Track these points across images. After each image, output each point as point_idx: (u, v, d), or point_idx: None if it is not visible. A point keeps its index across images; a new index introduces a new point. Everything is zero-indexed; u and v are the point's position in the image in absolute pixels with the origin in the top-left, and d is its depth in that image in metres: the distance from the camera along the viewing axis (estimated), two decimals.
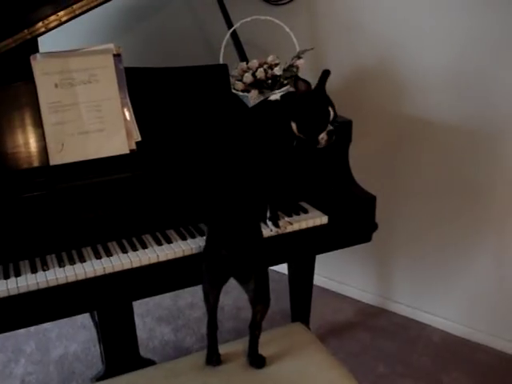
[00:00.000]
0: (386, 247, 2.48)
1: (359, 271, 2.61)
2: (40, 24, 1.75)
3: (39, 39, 2.55)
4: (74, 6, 1.78)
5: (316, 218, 1.70)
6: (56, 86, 1.56)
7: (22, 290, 1.41)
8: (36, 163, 1.55)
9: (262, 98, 1.81)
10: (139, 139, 1.64)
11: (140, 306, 2.57)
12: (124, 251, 1.54)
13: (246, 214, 1.51)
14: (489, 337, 2.29)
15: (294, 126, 1.55)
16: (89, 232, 1.57)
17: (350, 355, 2.27)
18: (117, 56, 1.62)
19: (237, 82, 1.84)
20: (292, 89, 1.82)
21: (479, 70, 1.99)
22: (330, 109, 1.55)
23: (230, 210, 1.49)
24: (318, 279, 2.70)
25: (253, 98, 1.80)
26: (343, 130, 1.81)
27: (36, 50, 1.89)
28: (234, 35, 2.03)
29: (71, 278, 1.45)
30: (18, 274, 1.45)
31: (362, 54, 2.22)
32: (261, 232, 1.54)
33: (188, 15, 2.61)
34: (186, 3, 2.59)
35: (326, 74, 1.60)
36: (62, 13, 1.78)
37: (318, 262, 2.41)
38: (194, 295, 2.55)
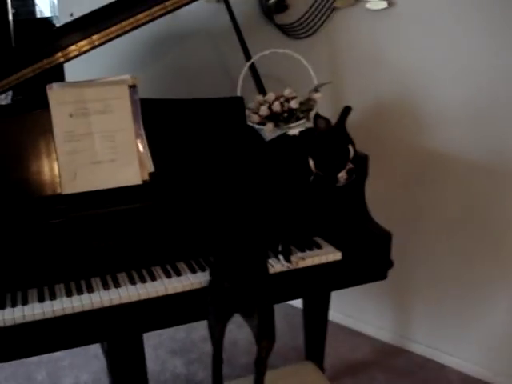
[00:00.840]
0: (404, 285, 2.43)
1: (377, 308, 2.56)
2: (59, 54, 1.78)
3: (66, 71, 2.62)
4: (94, 37, 1.81)
5: (329, 254, 1.67)
6: (71, 115, 1.57)
7: (28, 319, 1.40)
8: (48, 192, 1.55)
9: (277, 131, 1.80)
10: (152, 170, 1.63)
11: (153, 338, 2.55)
12: (133, 283, 1.52)
13: (251, 247, 1.49)
14: (509, 380, 2.20)
15: (311, 162, 1.54)
16: (98, 262, 1.56)
17: None
18: (132, 87, 1.63)
19: (252, 114, 1.83)
20: (308, 123, 1.82)
21: (500, 104, 1.96)
22: (350, 147, 1.53)
23: (235, 242, 1.48)
24: (335, 315, 2.65)
25: (268, 130, 1.79)
26: (359, 165, 1.77)
27: (62, 79, 1.94)
28: (253, 68, 2.03)
29: (78, 309, 1.44)
30: (25, 303, 1.44)
31: (381, 88, 2.21)
32: (266, 267, 1.51)
33: (210, 48, 2.64)
34: (208, 37, 2.61)
35: (346, 110, 1.59)
36: (82, 43, 1.80)
37: (334, 298, 2.36)
38: (207, 328, 2.51)
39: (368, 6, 2.11)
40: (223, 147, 1.72)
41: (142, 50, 2.80)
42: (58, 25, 4.22)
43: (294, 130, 1.61)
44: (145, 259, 1.60)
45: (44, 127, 1.57)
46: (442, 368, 2.36)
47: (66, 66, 2.86)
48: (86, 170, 1.57)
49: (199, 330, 2.55)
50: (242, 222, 1.52)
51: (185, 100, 1.70)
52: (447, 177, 2.15)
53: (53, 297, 1.46)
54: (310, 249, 1.69)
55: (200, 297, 1.53)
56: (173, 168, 1.67)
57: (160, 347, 2.51)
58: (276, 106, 1.82)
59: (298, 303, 2.40)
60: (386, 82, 2.19)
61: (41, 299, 1.45)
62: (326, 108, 2.29)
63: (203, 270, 1.58)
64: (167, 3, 1.81)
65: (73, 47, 1.79)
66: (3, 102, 2.80)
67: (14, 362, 2.37)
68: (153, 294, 1.50)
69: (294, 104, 1.83)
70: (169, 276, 1.55)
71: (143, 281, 1.53)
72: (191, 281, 1.54)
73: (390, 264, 1.77)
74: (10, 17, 4.30)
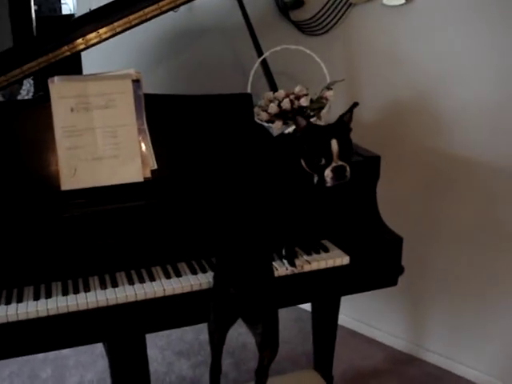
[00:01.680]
0: (420, 292, 2.35)
1: (392, 315, 2.48)
2: (80, 40, 1.74)
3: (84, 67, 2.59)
4: (115, 24, 1.77)
5: (337, 258, 1.61)
6: (72, 110, 1.53)
7: (21, 317, 1.37)
8: (47, 188, 1.52)
9: (286, 130, 1.75)
10: (155, 167, 1.59)
11: (161, 339, 2.51)
12: (131, 283, 1.48)
13: (257, 251, 1.43)
14: None
15: (303, 162, 1.47)
16: (97, 261, 1.52)
17: None
18: (136, 82, 1.59)
19: (261, 111, 1.78)
20: (319, 122, 1.76)
21: None
22: (334, 142, 1.42)
23: (240, 245, 1.42)
24: (348, 321, 2.58)
25: (276, 128, 1.73)
26: (370, 166, 1.71)
27: (80, 71, 1.91)
28: (265, 64, 1.98)
29: (72, 308, 1.40)
30: (20, 300, 1.41)
31: (398, 87, 2.13)
32: (272, 272, 1.46)
33: (224, 45, 2.59)
34: (222, 33, 2.57)
35: (353, 106, 1.52)
36: (102, 30, 1.77)
37: (348, 304, 2.30)
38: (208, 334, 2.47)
39: (385, 1, 2.04)
40: (229, 145, 1.67)
41: (156, 46, 2.77)
42: None
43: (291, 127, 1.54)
44: (145, 259, 1.56)
45: (45, 122, 1.53)
46: (458, 380, 2.27)
47: (84, 62, 2.86)
48: (86, 165, 1.53)
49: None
50: (247, 224, 1.46)
51: (190, 96, 1.66)
52: (465, 180, 2.07)
53: (48, 295, 1.43)
54: (317, 252, 1.63)
55: (200, 299, 1.48)
56: (176, 166, 1.62)
57: (167, 348, 2.47)
58: (285, 104, 1.76)
59: (310, 307, 2.34)
60: (403, 80, 2.11)
61: (36, 297, 1.42)
62: (340, 107, 2.23)
63: (204, 271, 1.53)
64: None
65: (94, 33, 1.76)
66: (24, 97, 2.80)
67: (19, 359, 2.36)
68: (150, 295, 1.46)
69: (304, 102, 1.77)
70: (168, 277, 1.51)
71: (142, 281, 1.49)
72: (191, 282, 1.49)
73: (400, 270, 1.70)
74: (33, 13, 4.32)
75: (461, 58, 1.96)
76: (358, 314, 2.56)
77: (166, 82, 2.77)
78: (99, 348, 2.41)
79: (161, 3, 1.75)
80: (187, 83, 2.70)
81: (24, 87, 2.83)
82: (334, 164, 1.42)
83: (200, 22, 2.62)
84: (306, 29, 2.28)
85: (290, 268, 1.53)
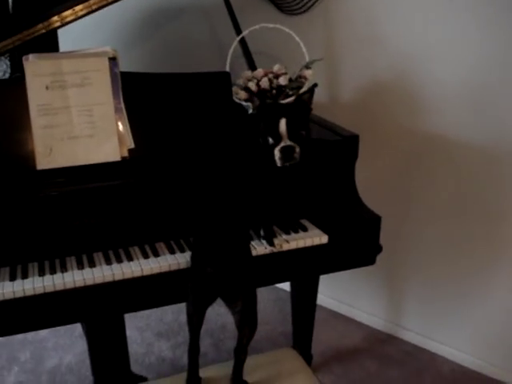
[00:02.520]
0: (396, 271, 2.37)
1: (370, 295, 2.50)
2: (55, 18, 1.71)
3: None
4: (91, 1, 1.73)
5: (315, 237, 1.61)
6: (47, 87, 1.50)
7: None
8: (22, 167, 1.49)
9: None
10: (132, 146, 1.57)
11: (140, 320, 2.51)
12: (108, 263, 1.47)
13: (235, 229, 1.42)
14: (502, 372, 2.15)
15: (260, 140, 1.46)
16: (74, 241, 1.50)
17: None
18: (112, 59, 1.56)
19: (240, 90, 1.76)
20: None
21: (499, 89, 1.88)
22: (282, 121, 1.41)
23: (218, 224, 1.41)
24: (327, 302, 2.60)
25: (255, 108, 1.72)
26: (349, 146, 1.71)
27: (56, 49, 1.88)
28: (243, 43, 1.96)
29: (49, 289, 1.39)
30: None
31: (377, 67, 2.13)
32: (250, 251, 1.45)
33: (203, 24, 2.56)
34: (200, 12, 2.53)
35: (313, 86, 1.52)
36: (78, 7, 1.73)
37: (327, 284, 2.31)
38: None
39: None
40: (207, 124, 1.65)
41: (133, 26, 2.72)
42: None
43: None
44: (122, 239, 1.54)
45: (21, 101, 1.50)
46: (433, 357, 2.31)
47: (60, 41, 2.81)
48: (62, 145, 1.51)
49: None
50: (224, 203, 1.45)
51: (167, 74, 1.63)
52: (442, 161, 2.08)
53: (25, 275, 1.41)
54: (296, 231, 1.63)
55: (179, 278, 1.48)
56: (154, 145, 1.60)
57: (147, 329, 2.47)
58: (264, 83, 1.76)
59: (289, 287, 2.35)
60: (382, 60, 2.11)
61: (12, 278, 1.40)
62: (319, 86, 2.23)
63: (182, 251, 1.53)
64: None
65: (70, 11, 1.72)
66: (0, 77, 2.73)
67: None
68: (128, 275, 1.45)
69: (283, 81, 1.76)
70: (146, 256, 1.50)
71: (119, 261, 1.48)
72: (169, 262, 1.48)
73: (378, 249, 1.71)
74: None
75: (439, 39, 1.96)
76: (337, 294, 2.58)
77: (144, 61, 2.73)
78: (78, 330, 2.40)
79: None
80: (165, 62, 2.66)
81: (0, 68, 2.77)
82: (282, 144, 1.42)
83: (178, 1, 2.58)
84: (286, 8, 2.26)
85: (268, 247, 1.53)
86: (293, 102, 1.49)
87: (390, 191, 2.25)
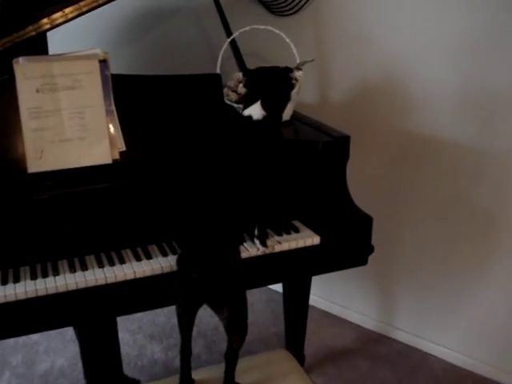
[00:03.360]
0: (388, 271, 2.38)
1: (362, 295, 2.51)
2: (45, 20, 1.70)
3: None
4: (81, 3, 1.73)
5: (307, 238, 1.61)
6: (37, 90, 1.49)
7: None
8: (13, 170, 1.48)
9: None
10: (123, 149, 1.57)
11: (133, 323, 2.50)
12: (100, 266, 1.46)
13: (220, 234, 1.41)
14: (494, 370, 2.17)
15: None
16: (66, 244, 1.50)
17: None
18: (103, 62, 1.56)
19: (231, 92, 1.77)
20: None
21: (488, 88, 1.90)
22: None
23: (204, 228, 1.41)
24: (320, 302, 2.61)
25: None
26: (340, 146, 1.72)
27: (46, 51, 1.87)
28: (234, 45, 1.96)
29: (41, 292, 1.38)
30: None
31: (367, 68, 2.14)
32: (239, 255, 1.45)
33: (193, 25, 2.56)
34: (191, 13, 2.54)
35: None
36: (68, 9, 1.73)
37: (319, 285, 2.32)
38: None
39: None
40: (198, 126, 1.65)
41: (123, 28, 2.72)
42: None
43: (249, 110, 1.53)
44: (114, 242, 1.54)
45: (11, 104, 1.49)
46: (425, 356, 2.32)
47: (50, 43, 2.80)
48: (53, 147, 1.50)
49: None
50: (211, 207, 1.44)
51: (158, 76, 1.63)
52: (432, 160, 2.10)
53: (16, 279, 1.40)
54: (288, 233, 1.63)
55: (171, 281, 1.46)
56: (145, 147, 1.60)
57: (139, 332, 2.46)
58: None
59: (281, 288, 2.35)
60: (372, 61, 2.12)
61: (4, 282, 1.39)
62: (310, 87, 2.24)
63: (175, 253, 1.52)
64: None
65: (59, 13, 1.71)
66: None
67: None
68: (120, 278, 1.44)
69: None
70: (138, 259, 1.50)
71: (111, 264, 1.47)
72: (161, 264, 1.48)
73: (370, 249, 1.71)
74: None
75: (430, 39, 1.97)
76: (329, 294, 2.59)
77: (134, 62, 2.73)
78: (70, 333, 2.39)
79: None
80: (156, 64, 2.67)
81: None
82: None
83: (169, 2, 2.58)
84: (276, 9, 2.27)
85: (261, 248, 1.53)
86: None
87: (382, 192, 2.26)
